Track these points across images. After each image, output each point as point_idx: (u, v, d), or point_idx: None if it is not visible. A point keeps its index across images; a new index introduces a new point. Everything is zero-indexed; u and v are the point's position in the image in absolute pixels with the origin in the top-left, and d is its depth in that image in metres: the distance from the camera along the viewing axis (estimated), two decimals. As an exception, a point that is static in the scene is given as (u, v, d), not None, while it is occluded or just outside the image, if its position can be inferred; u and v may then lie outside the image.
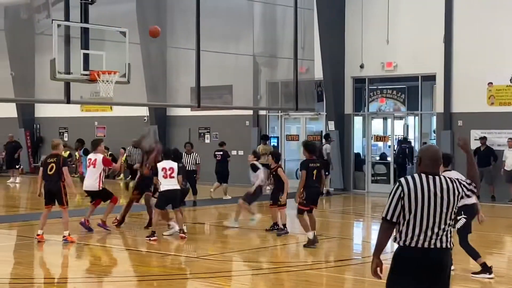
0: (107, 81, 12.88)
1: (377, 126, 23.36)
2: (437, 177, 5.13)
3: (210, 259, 10.96)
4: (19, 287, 9.21)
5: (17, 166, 26.19)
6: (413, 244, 5.05)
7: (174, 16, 20.79)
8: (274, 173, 12.99)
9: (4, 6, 21.01)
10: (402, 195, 5.08)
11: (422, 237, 5.04)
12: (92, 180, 12.89)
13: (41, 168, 12.29)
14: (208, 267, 10.41)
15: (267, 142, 22.92)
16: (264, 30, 21.98)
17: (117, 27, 14.05)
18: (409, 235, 5.07)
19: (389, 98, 22.58)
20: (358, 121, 22.92)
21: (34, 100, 21.64)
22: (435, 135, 21.73)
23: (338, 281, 9.66)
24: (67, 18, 14.49)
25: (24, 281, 9.51)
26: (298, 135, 24.12)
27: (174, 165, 12.46)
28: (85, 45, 13.64)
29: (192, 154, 17.72)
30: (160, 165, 12.42)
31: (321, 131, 23.50)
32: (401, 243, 5.10)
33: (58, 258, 11.49)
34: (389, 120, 22.94)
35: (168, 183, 12.32)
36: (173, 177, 12.31)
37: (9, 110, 29.39)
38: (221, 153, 19.57)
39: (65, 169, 11.97)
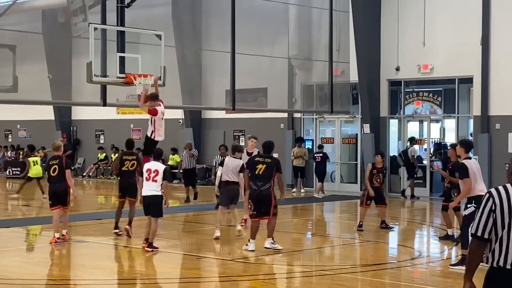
0: (143, 84, 12.94)
1: (413, 129, 23.13)
2: None
3: (245, 262, 10.95)
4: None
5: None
6: (508, 266, 4.51)
7: (209, 19, 20.87)
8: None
9: (42, 10, 21.34)
10: (493, 207, 4.53)
11: None
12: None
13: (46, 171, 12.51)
14: (242, 269, 10.41)
15: (302, 145, 22.88)
16: (299, 32, 21.93)
17: (153, 30, 14.12)
18: (503, 255, 4.53)
19: (425, 101, 22.36)
20: (393, 124, 22.73)
21: (71, 103, 21.86)
22: (472, 138, 21.44)
23: (373, 285, 9.58)
24: (103, 21, 14.65)
25: (60, 283, 9.60)
26: (333, 138, 24.02)
27: (160, 167, 11.45)
28: (121, 48, 13.75)
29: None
30: (146, 166, 11.55)
31: (356, 134, 23.39)
32: (494, 264, 4.57)
33: (94, 259, 11.60)
34: (425, 123, 22.71)
35: (148, 187, 11.40)
36: (155, 180, 11.31)
37: (47, 113, 29.81)
38: (321, 154, 21.80)
39: (68, 172, 12.05)
